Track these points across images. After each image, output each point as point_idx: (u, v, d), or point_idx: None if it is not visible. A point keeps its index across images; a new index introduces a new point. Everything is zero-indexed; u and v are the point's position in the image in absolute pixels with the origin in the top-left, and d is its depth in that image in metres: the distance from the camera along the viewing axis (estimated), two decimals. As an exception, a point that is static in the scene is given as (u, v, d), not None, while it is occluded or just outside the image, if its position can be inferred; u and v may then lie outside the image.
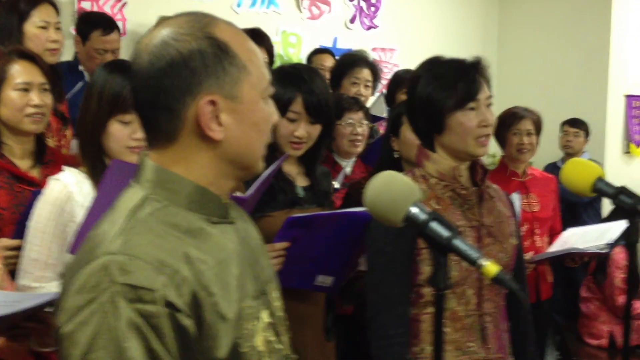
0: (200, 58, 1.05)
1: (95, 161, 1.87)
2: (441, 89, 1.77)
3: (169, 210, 1.07)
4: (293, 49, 4.76)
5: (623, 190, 1.61)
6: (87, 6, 3.75)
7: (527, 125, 3.28)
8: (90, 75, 3.36)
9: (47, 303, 1.42)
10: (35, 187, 2.09)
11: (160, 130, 1.08)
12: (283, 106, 2.08)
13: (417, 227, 1.14)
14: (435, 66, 1.83)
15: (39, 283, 1.84)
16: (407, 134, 2.54)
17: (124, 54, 3.54)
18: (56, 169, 2.18)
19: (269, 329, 1.15)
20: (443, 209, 1.79)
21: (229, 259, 1.09)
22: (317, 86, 2.13)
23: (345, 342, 2.63)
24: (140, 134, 1.83)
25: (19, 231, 1.97)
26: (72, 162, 2.15)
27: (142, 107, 1.10)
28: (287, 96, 2.09)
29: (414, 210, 1.16)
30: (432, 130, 1.81)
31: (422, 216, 1.15)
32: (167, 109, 1.06)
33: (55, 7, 2.67)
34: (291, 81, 2.13)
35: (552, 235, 3.36)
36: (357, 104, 2.95)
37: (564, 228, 3.33)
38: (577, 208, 4.73)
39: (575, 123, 5.09)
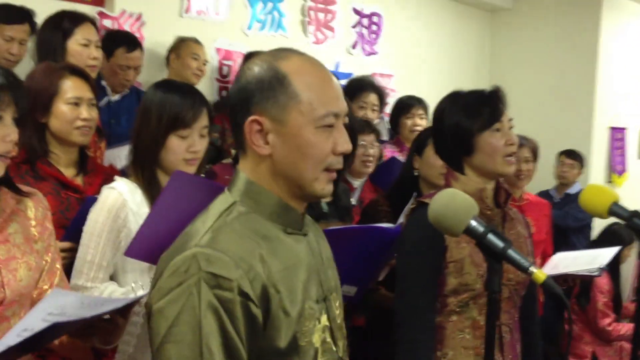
0: (258, 84, 1.24)
1: (149, 173, 2.02)
2: (468, 114, 1.95)
3: (251, 217, 1.25)
4: (298, 71, 4.94)
5: (636, 214, 1.79)
6: (108, 24, 3.89)
7: (525, 152, 3.48)
8: (113, 90, 3.51)
9: (121, 307, 1.51)
10: (79, 194, 2.23)
11: (236, 140, 1.29)
12: None
13: (476, 237, 1.32)
14: (458, 97, 2.02)
15: (92, 283, 1.97)
16: (431, 154, 2.72)
17: (142, 71, 3.70)
18: (98, 178, 2.32)
19: (327, 331, 1.30)
20: None
21: (297, 264, 1.26)
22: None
23: (357, 354, 2.76)
24: (197, 146, 2.00)
25: (68, 234, 2.11)
26: (111, 173, 2.31)
27: (230, 121, 1.31)
28: None
29: (474, 223, 1.34)
30: (462, 153, 1.97)
31: (481, 229, 1.33)
32: (235, 122, 1.27)
33: (95, 26, 2.82)
34: None
35: (544, 258, 3.55)
36: (369, 126, 3.13)
37: (555, 251, 3.52)
38: (568, 233, 4.94)
39: (572, 155, 5.27)
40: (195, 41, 3.98)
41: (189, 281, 1.14)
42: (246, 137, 1.25)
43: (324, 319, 1.30)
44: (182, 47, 3.93)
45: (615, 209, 1.78)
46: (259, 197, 1.27)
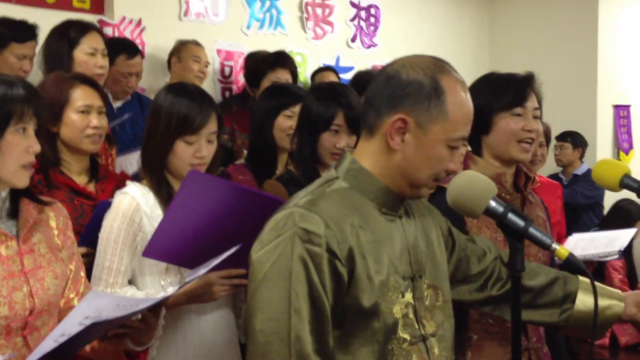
0: (417, 87, 1.35)
1: (158, 177, 2.02)
2: (491, 91, 1.94)
3: (351, 192, 1.39)
4: (299, 67, 4.94)
5: None
6: (108, 31, 3.90)
7: (537, 142, 3.45)
8: (115, 97, 3.52)
9: (152, 306, 1.54)
10: (93, 201, 2.24)
11: (367, 124, 1.41)
12: (326, 121, 2.26)
13: (497, 217, 1.33)
14: (488, 76, 2.02)
15: (111, 289, 1.97)
16: None
17: (144, 76, 3.71)
18: (109, 184, 2.33)
19: (410, 307, 1.39)
20: None
21: (386, 240, 1.38)
22: (353, 100, 2.32)
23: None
24: (203, 152, 2.00)
25: (83, 240, 2.11)
26: (122, 178, 2.32)
27: (366, 102, 1.43)
28: (330, 112, 2.27)
29: (493, 204, 1.35)
30: (479, 131, 1.94)
31: (500, 208, 1.34)
32: (376, 108, 1.38)
33: (102, 34, 2.83)
34: (331, 97, 2.31)
35: (558, 240, 3.55)
36: None
37: (567, 230, 3.52)
38: (579, 212, 4.94)
39: (563, 136, 5.30)
40: (196, 43, 3.99)
41: (285, 235, 1.29)
42: (385, 128, 1.36)
43: (408, 296, 1.38)
44: (183, 50, 3.94)
45: (626, 181, 1.78)
46: (361, 177, 1.39)
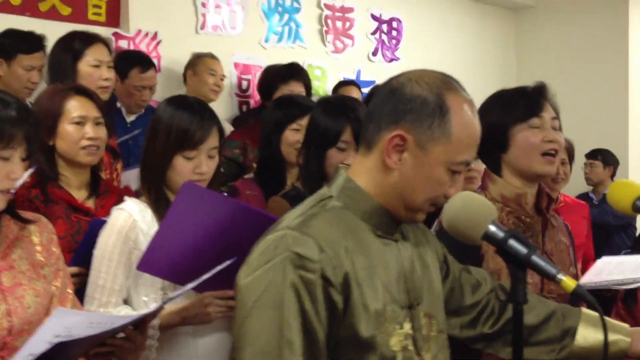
0: (421, 103, 1.26)
1: (157, 192, 1.95)
2: (504, 106, 1.85)
3: (344, 212, 1.30)
4: (318, 82, 4.88)
5: None
6: (124, 44, 3.88)
7: (561, 155, 3.32)
8: (129, 111, 3.48)
9: (134, 322, 1.48)
10: (91, 217, 2.16)
11: (366, 139, 1.33)
12: (334, 137, 2.17)
13: (496, 244, 1.21)
14: (499, 93, 1.93)
15: (104, 308, 1.90)
16: None
17: (160, 90, 3.67)
18: (110, 199, 2.26)
19: (409, 339, 1.29)
20: None
21: (381, 265, 1.29)
22: (362, 115, 2.22)
23: None
24: (203, 168, 1.92)
25: (76, 258, 2.05)
26: (125, 194, 2.25)
27: (367, 115, 1.36)
28: (337, 127, 2.18)
29: (493, 228, 1.23)
30: (498, 149, 1.85)
31: (501, 234, 1.22)
32: (376, 122, 1.30)
33: (107, 46, 2.78)
34: (339, 112, 2.22)
35: (586, 262, 3.38)
36: None
37: (596, 252, 3.35)
38: (610, 232, 4.76)
39: (593, 154, 5.14)
40: (212, 56, 3.94)
41: (276, 259, 1.20)
42: (383, 145, 1.27)
43: (407, 326, 1.30)
44: (199, 63, 3.89)
45: (639, 204, 1.66)
46: (356, 196, 1.31)
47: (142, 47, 3.94)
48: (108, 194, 2.29)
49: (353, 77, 5.06)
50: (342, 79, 4.83)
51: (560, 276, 1.15)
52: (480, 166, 2.61)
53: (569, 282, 1.13)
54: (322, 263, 1.19)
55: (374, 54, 5.30)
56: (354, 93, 4.23)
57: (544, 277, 1.18)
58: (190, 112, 1.93)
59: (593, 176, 5.11)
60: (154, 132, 1.95)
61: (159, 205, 1.94)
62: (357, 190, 1.31)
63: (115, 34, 3.86)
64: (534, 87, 1.89)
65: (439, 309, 1.41)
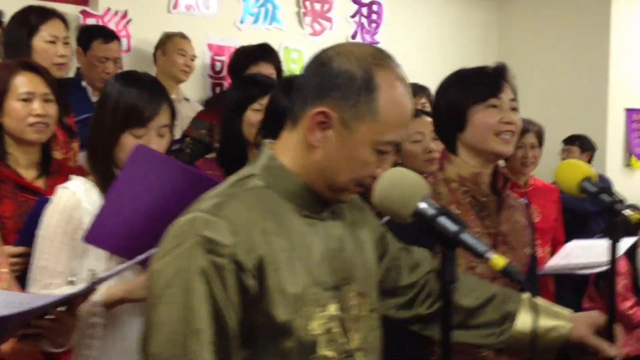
0: (347, 79, 1.20)
1: (104, 171, 1.89)
2: (463, 86, 1.83)
3: (266, 192, 1.24)
4: (295, 64, 4.80)
5: (605, 190, 1.63)
6: (92, 23, 3.80)
7: (530, 138, 3.30)
8: (94, 87, 3.40)
9: (59, 302, 1.43)
10: (39, 197, 2.11)
11: (292, 114, 1.26)
12: None
13: (426, 221, 1.17)
14: (458, 72, 1.90)
15: (47, 290, 1.84)
16: (408, 145, 2.56)
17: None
18: (61, 179, 2.18)
19: (334, 321, 1.24)
20: (462, 215, 1.81)
21: (303, 247, 1.23)
22: None
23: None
24: (152, 147, 1.85)
25: (21, 239, 2.00)
26: (78, 174, 2.18)
27: (295, 90, 1.29)
28: None
29: (423, 205, 1.18)
30: (455, 129, 1.83)
31: (431, 211, 1.17)
32: (303, 97, 1.24)
33: (64, 22, 2.70)
34: None
35: (555, 246, 3.37)
36: None
37: (572, 238, 3.32)
38: (588, 219, 4.73)
39: (570, 140, 5.11)
40: (182, 36, 3.86)
41: (186, 244, 1.15)
42: (306, 121, 1.22)
43: (332, 308, 1.25)
44: (168, 43, 3.82)
45: (585, 185, 1.62)
46: (279, 175, 1.25)
47: (112, 26, 3.85)
48: (59, 174, 2.23)
49: (331, 60, 4.99)
50: (319, 62, 4.75)
51: (489, 254, 1.10)
52: (440, 147, 2.56)
53: (498, 260, 1.08)
54: (234, 247, 1.14)
55: (353, 37, 5.22)
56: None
57: (473, 255, 1.13)
58: (139, 88, 1.86)
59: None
60: (102, 109, 1.88)
61: (106, 185, 1.88)
62: (281, 168, 1.25)
63: (84, 12, 3.79)
64: (494, 68, 1.86)
65: (372, 288, 1.36)
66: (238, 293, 1.14)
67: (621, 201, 1.62)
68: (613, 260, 1.55)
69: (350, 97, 1.19)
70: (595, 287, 4.22)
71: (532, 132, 3.33)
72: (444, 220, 1.15)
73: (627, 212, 1.59)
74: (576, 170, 1.66)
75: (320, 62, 1.24)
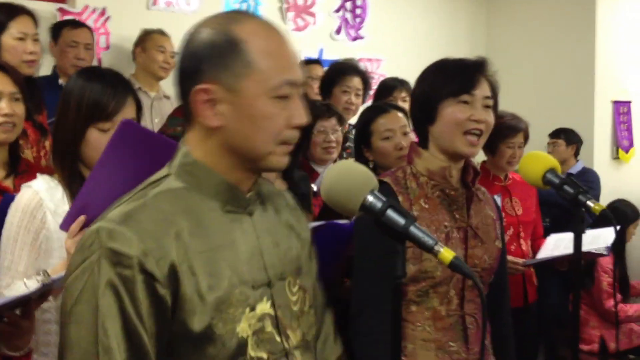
0: (208, 49, 1.14)
1: (70, 168, 1.86)
2: (438, 78, 1.78)
3: (181, 192, 1.17)
4: (278, 60, 4.78)
5: (568, 182, 1.60)
6: (70, 20, 3.76)
7: (520, 139, 3.27)
8: (67, 75, 3.37)
9: (12, 305, 1.40)
10: (8, 197, 2.08)
11: (185, 111, 1.20)
12: None
13: (374, 215, 1.14)
14: (438, 63, 1.85)
15: (9, 290, 1.81)
16: (379, 143, 2.53)
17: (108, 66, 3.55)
18: (30, 179, 2.16)
19: (268, 319, 1.19)
20: (431, 209, 1.78)
21: (226, 245, 1.17)
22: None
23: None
24: None
25: None
26: (48, 173, 2.15)
27: (175, 83, 1.21)
28: None
29: (371, 198, 1.15)
30: (426, 121, 1.79)
31: (379, 204, 1.14)
32: (183, 90, 1.17)
33: (34, 18, 2.67)
34: None
35: (534, 240, 3.35)
36: (328, 110, 2.91)
37: (561, 231, 3.30)
38: (569, 213, 4.71)
39: (555, 133, 5.09)
40: (161, 33, 3.83)
41: (91, 258, 1.08)
42: (192, 107, 1.15)
43: (263, 307, 1.19)
44: (147, 40, 3.79)
45: (549, 177, 1.58)
46: (196, 172, 1.19)
47: (90, 24, 3.81)
48: (28, 174, 2.19)
49: (315, 55, 4.95)
50: (303, 58, 4.72)
51: (438, 248, 1.08)
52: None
53: (446, 254, 1.06)
54: (142, 257, 1.07)
55: (337, 32, 5.19)
56: (318, 71, 4.14)
57: (422, 249, 1.10)
58: (102, 82, 1.83)
59: (556, 155, 5.05)
60: (65, 105, 1.85)
61: (72, 182, 1.85)
62: (196, 164, 1.18)
63: (61, 10, 3.74)
64: (472, 61, 1.81)
65: (310, 283, 1.32)
66: (151, 304, 1.08)
67: (585, 192, 1.59)
68: (578, 252, 1.52)
69: (220, 63, 1.13)
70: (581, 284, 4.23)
71: (522, 132, 3.29)
72: (392, 214, 1.12)
73: (590, 203, 1.56)
74: (540, 162, 1.63)
75: (184, 46, 1.18)
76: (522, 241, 3.25)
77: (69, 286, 1.10)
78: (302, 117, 1.17)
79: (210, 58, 1.13)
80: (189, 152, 1.19)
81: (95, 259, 1.07)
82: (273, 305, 1.20)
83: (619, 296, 4.26)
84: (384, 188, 1.34)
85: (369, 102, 3.75)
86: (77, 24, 3.43)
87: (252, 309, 1.16)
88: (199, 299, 1.11)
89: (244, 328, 1.15)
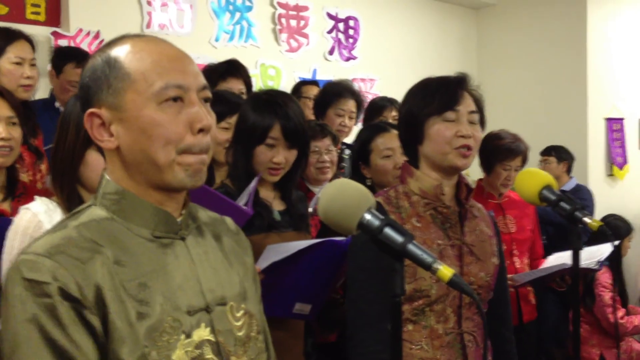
0: (91, 75, 1.14)
1: (69, 190, 1.86)
2: (422, 97, 1.79)
3: (105, 222, 1.13)
4: (272, 81, 4.81)
5: (564, 198, 1.60)
6: (64, 44, 3.77)
7: (518, 162, 3.27)
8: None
9: None
10: (6, 221, 2.08)
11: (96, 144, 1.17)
12: (262, 133, 2.10)
13: (371, 233, 1.14)
14: (421, 83, 1.86)
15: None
16: (378, 161, 2.54)
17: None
18: (28, 202, 2.17)
19: (207, 346, 1.14)
20: (424, 227, 1.78)
21: (159, 271, 1.12)
22: (292, 111, 2.14)
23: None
24: None
25: None
26: (45, 196, 2.16)
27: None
28: (265, 123, 2.10)
29: (368, 217, 1.15)
30: (414, 141, 1.80)
31: (376, 222, 1.14)
32: (83, 116, 1.16)
33: (31, 43, 2.69)
34: (268, 108, 2.13)
35: (535, 260, 3.34)
36: (322, 131, 2.91)
37: (556, 248, 3.31)
38: (565, 230, 4.72)
39: (546, 151, 5.12)
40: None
41: (14, 292, 1.04)
42: (90, 134, 1.14)
43: (201, 333, 1.13)
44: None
45: (545, 194, 1.59)
46: (119, 200, 1.15)
47: (84, 47, 3.83)
48: (26, 197, 2.21)
49: (309, 76, 4.99)
50: (297, 79, 4.76)
51: (437, 265, 1.08)
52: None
53: (445, 271, 1.06)
54: (61, 282, 1.02)
55: (331, 52, 5.23)
56: (316, 93, 4.15)
57: (420, 266, 1.10)
58: None
59: (548, 172, 5.07)
60: (64, 127, 1.86)
61: (71, 204, 1.85)
62: (118, 191, 1.15)
63: (55, 33, 3.76)
64: (453, 78, 1.82)
65: (256, 308, 1.28)
66: (85, 332, 1.03)
67: (582, 208, 1.60)
68: (576, 268, 1.53)
69: (102, 85, 1.12)
70: (582, 304, 4.22)
71: (521, 156, 3.29)
72: (389, 232, 1.12)
73: (587, 219, 1.57)
74: (536, 178, 1.64)
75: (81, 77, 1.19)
76: (515, 259, 3.25)
77: (1, 324, 1.05)
78: (202, 120, 1.12)
79: (94, 82, 1.13)
80: (109, 180, 1.16)
81: (17, 292, 1.03)
82: (213, 331, 1.15)
83: (622, 310, 4.26)
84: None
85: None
86: (81, 60, 3.35)
87: (188, 335, 1.11)
88: (129, 328, 1.06)
89: (180, 356, 1.09)
